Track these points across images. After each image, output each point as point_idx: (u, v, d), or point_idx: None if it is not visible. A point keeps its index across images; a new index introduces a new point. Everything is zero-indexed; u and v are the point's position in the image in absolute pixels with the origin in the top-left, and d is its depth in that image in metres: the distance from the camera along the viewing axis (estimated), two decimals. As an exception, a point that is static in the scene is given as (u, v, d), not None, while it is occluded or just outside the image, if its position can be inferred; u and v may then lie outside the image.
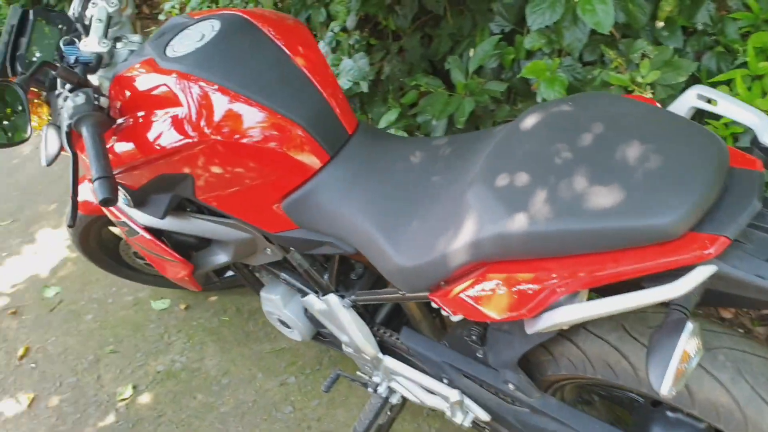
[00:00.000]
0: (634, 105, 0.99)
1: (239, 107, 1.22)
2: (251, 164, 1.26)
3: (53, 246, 3.13)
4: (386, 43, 2.42)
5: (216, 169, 1.29)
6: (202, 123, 1.23)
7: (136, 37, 1.54)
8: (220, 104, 1.23)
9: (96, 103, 1.28)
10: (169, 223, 1.56)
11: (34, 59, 1.52)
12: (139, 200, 1.50)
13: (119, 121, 1.37)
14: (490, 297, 0.97)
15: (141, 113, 1.33)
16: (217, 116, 1.22)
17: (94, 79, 1.47)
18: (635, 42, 1.63)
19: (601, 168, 0.90)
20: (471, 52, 2.18)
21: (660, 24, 1.74)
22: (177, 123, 1.25)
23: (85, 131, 1.24)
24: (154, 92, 1.29)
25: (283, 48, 1.29)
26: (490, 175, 0.99)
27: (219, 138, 1.22)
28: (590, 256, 0.88)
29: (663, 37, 1.72)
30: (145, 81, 1.31)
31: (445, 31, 2.27)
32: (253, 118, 1.22)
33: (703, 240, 0.81)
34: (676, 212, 0.81)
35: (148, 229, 1.63)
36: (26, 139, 1.32)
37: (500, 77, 2.06)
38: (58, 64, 1.29)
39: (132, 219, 1.63)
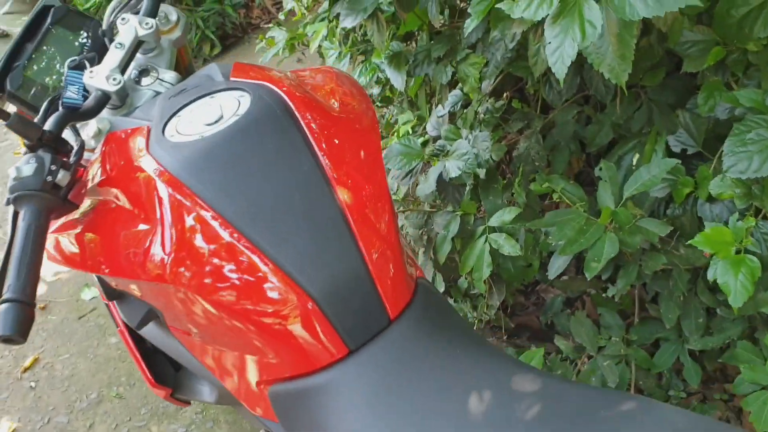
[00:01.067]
0: None
1: (236, 254, 0.83)
2: (235, 331, 0.87)
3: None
4: (529, 112, 1.95)
5: (190, 319, 0.91)
6: (181, 262, 0.84)
7: (170, 75, 1.18)
8: (212, 243, 0.84)
9: (49, 179, 0.91)
10: (148, 333, 1.19)
11: (34, 76, 1.19)
12: (114, 296, 1.15)
13: (86, 204, 1.00)
14: None
15: (115, 204, 0.96)
16: (203, 259, 0.84)
17: (92, 123, 1.11)
18: None
19: None
20: (635, 159, 1.69)
21: None
22: (151, 246, 0.87)
23: (21, 218, 0.89)
24: (134, 186, 0.92)
25: (326, 168, 0.88)
26: None
27: (197, 290, 0.83)
28: None
29: None
30: (129, 163, 0.94)
31: (609, 118, 1.77)
32: (251, 274, 0.83)
33: None
34: None
35: (129, 328, 1.28)
36: None
37: (665, 211, 1.56)
38: (11, 112, 0.93)
39: (113, 309, 1.29)
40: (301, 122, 0.91)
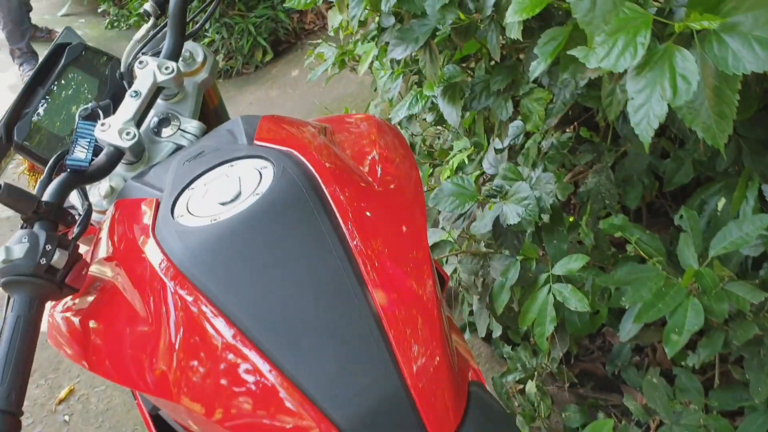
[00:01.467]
0: None
1: (247, 371, 0.70)
2: None
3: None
4: (600, 144, 1.77)
5: (194, 425, 0.78)
6: (185, 377, 0.72)
7: (193, 125, 1.06)
8: (220, 356, 0.71)
9: (43, 261, 0.80)
10: (164, 413, 1.08)
11: (44, 125, 1.09)
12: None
13: (93, 279, 0.89)
14: None
15: (120, 288, 0.84)
16: (210, 375, 0.71)
17: (104, 180, 0.99)
18: None
19: None
20: (720, 204, 1.51)
21: None
22: (154, 354, 0.75)
23: (9, 307, 0.78)
24: (138, 270, 0.79)
25: (359, 261, 0.74)
26: None
27: (203, 411, 0.70)
28: None
29: None
30: (134, 243, 0.82)
31: (690, 154, 1.59)
32: (265, 395, 0.70)
33: None
34: None
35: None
36: None
37: (755, 266, 1.37)
38: (1, 182, 0.81)
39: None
40: (330, 201, 0.77)
